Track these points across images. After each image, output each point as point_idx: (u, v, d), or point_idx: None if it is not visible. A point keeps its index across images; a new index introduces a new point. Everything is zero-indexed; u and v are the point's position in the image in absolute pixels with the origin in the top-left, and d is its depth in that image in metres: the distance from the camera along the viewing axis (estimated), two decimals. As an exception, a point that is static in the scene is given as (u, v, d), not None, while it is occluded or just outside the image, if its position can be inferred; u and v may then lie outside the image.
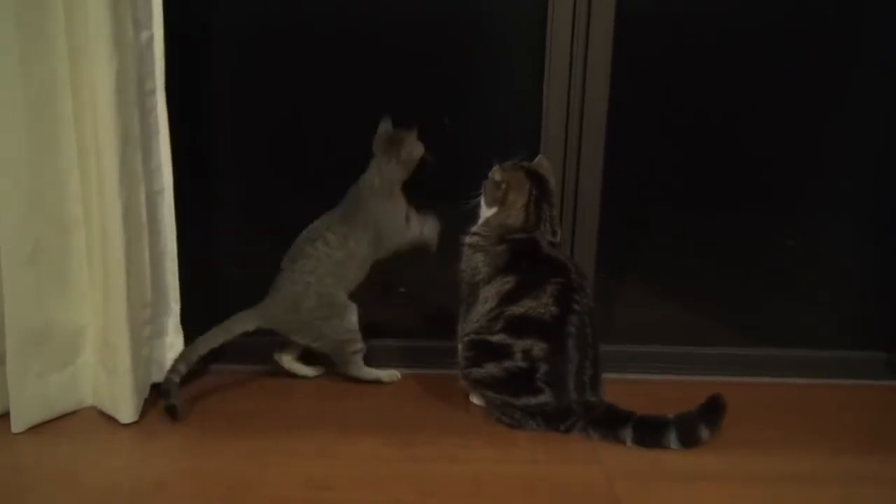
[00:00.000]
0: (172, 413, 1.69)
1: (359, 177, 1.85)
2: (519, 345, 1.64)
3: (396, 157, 1.81)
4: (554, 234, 1.76)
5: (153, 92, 1.69)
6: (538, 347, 1.63)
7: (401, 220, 1.85)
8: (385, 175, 1.82)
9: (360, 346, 1.84)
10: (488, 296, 1.70)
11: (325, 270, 1.79)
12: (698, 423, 1.59)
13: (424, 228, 1.88)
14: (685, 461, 1.57)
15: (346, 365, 1.85)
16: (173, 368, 1.72)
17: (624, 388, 1.77)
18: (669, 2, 1.99)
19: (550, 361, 1.63)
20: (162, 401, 1.70)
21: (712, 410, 1.60)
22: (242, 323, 1.78)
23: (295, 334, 1.82)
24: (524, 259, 1.71)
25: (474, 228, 1.78)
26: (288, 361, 1.89)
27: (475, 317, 1.71)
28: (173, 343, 1.82)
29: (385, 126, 1.84)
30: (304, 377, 1.90)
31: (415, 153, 1.83)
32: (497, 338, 1.66)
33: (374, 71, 1.99)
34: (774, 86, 2.00)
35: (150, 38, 1.67)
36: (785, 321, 2.10)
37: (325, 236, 1.80)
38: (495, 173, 1.75)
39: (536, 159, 1.82)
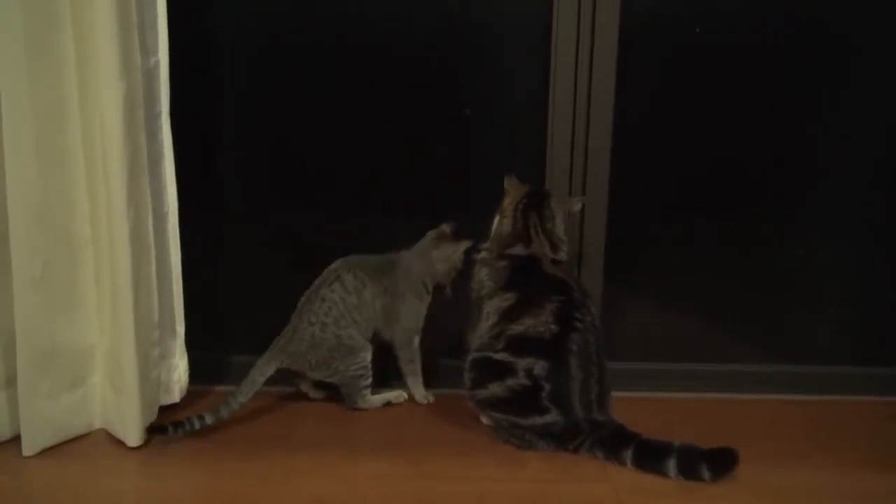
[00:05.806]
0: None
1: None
2: (521, 363, 1.63)
3: (437, 252, 1.85)
4: (553, 249, 1.76)
5: (159, 115, 1.71)
6: (539, 366, 1.62)
7: (414, 322, 1.87)
8: (421, 267, 1.86)
9: (370, 381, 1.84)
10: (490, 311, 1.71)
11: (339, 313, 1.80)
12: (701, 462, 1.53)
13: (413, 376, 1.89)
14: (694, 479, 1.57)
15: (353, 398, 1.84)
16: (200, 415, 1.69)
17: (632, 405, 1.76)
18: (670, 13, 1.99)
19: (553, 380, 1.62)
20: (167, 423, 1.68)
21: (722, 460, 1.54)
22: (263, 370, 1.77)
23: (312, 371, 1.83)
24: (524, 277, 1.72)
25: (484, 244, 1.81)
26: (305, 386, 1.90)
27: (479, 333, 1.72)
28: (177, 366, 1.82)
29: (446, 228, 1.87)
30: (314, 399, 1.90)
31: (451, 261, 1.85)
32: (500, 356, 1.66)
33: (383, 95, 2.00)
34: (781, 96, 2.00)
35: (157, 63, 1.69)
36: (795, 336, 2.09)
37: (343, 278, 1.81)
38: (505, 182, 1.81)
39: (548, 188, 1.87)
